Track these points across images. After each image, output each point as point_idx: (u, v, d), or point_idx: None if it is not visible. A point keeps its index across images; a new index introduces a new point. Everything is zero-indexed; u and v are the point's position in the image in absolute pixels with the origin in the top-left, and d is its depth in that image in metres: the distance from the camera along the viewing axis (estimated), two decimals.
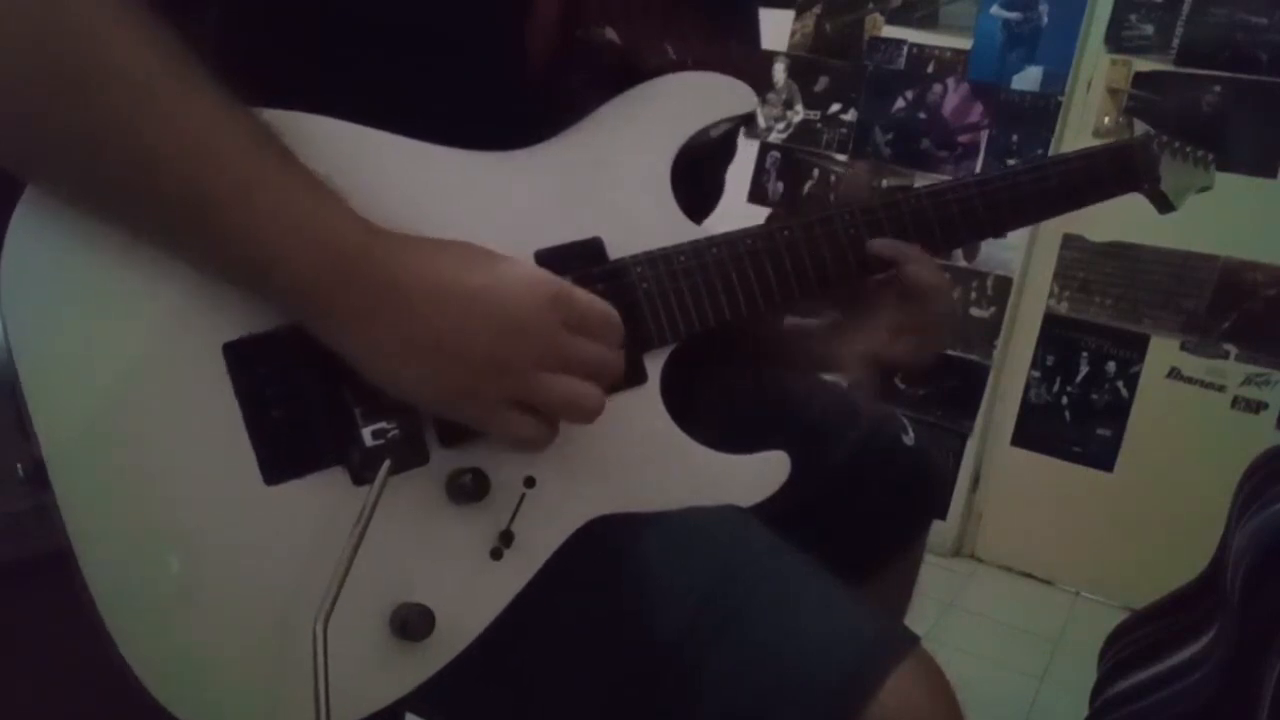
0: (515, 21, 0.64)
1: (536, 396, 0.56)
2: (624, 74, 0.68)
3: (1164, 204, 0.94)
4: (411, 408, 0.57)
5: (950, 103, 2.41)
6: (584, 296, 0.58)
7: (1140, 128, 0.92)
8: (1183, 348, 2.23)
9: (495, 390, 0.55)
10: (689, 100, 0.70)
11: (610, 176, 0.67)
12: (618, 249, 0.65)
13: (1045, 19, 2.29)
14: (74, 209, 0.51)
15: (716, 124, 0.71)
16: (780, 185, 2.61)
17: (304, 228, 0.51)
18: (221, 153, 0.50)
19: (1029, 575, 2.44)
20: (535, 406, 0.57)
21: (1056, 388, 2.38)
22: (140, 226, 0.52)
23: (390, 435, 0.57)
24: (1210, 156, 0.96)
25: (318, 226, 0.52)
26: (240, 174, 0.50)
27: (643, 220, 0.67)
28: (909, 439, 0.93)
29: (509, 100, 0.65)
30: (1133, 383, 2.29)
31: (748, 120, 0.76)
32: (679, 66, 0.71)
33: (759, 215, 2.53)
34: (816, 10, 2.56)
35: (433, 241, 0.56)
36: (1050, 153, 2.29)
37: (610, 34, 0.69)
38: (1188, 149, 0.94)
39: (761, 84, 0.79)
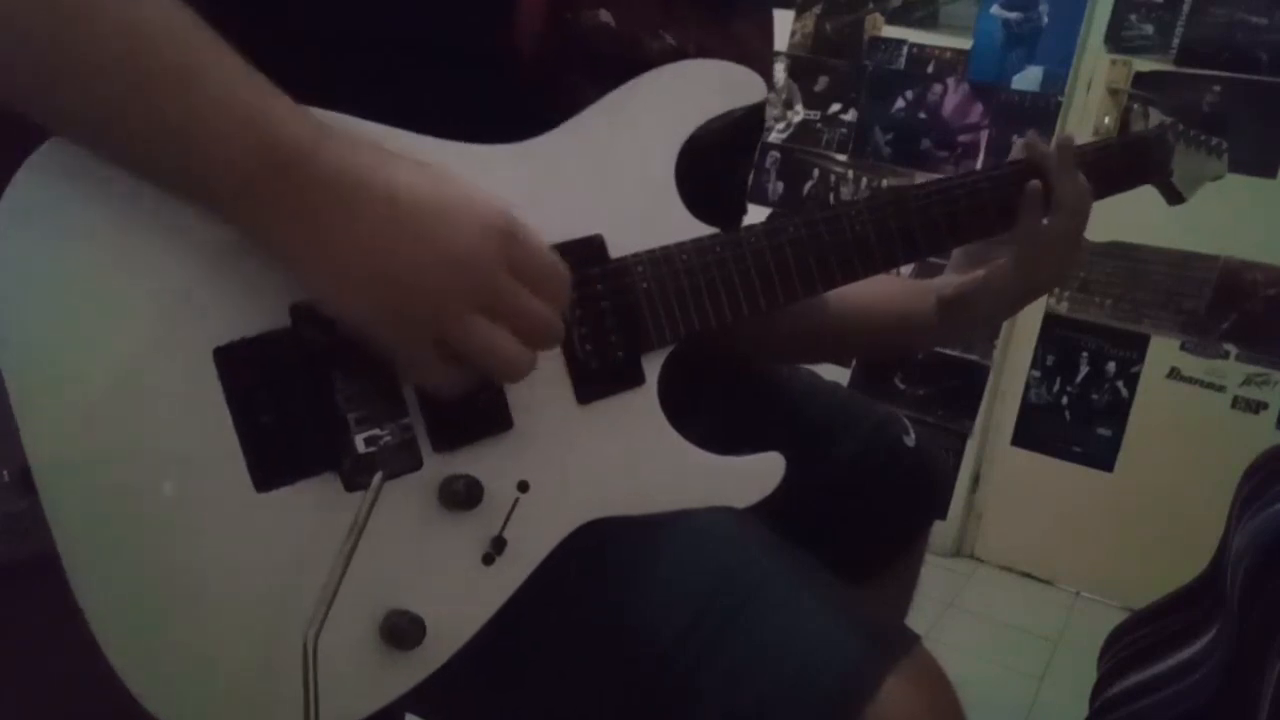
0: (503, 13, 0.63)
1: (463, 340, 0.53)
2: (622, 63, 0.66)
3: (1174, 195, 0.92)
4: (400, 407, 0.56)
5: (950, 103, 2.40)
6: (537, 242, 0.55)
7: (1155, 117, 0.91)
8: (1183, 348, 2.22)
9: (424, 322, 0.52)
10: (694, 90, 0.67)
11: (612, 172, 0.64)
12: (619, 247, 0.63)
13: (1045, 19, 2.28)
14: (23, 110, 0.48)
15: (726, 115, 0.68)
16: (780, 185, 2.61)
17: (250, 119, 0.49)
18: (166, 40, 0.48)
19: (1029, 575, 2.44)
20: (460, 353, 0.53)
21: (1056, 388, 2.37)
22: (86, 127, 0.49)
23: (383, 442, 0.56)
24: (1224, 144, 0.94)
25: (267, 119, 0.49)
26: (183, 60, 0.48)
27: (645, 217, 0.65)
28: (910, 440, 0.93)
29: (505, 97, 0.64)
30: (1133, 383, 2.28)
31: (759, 110, 0.73)
32: (678, 53, 0.68)
33: (759, 216, 2.52)
34: (816, 10, 2.55)
35: (388, 151, 0.53)
36: None
37: (605, 16, 0.66)
38: (1202, 137, 0.92)
39: (769, 73, 0.77)
